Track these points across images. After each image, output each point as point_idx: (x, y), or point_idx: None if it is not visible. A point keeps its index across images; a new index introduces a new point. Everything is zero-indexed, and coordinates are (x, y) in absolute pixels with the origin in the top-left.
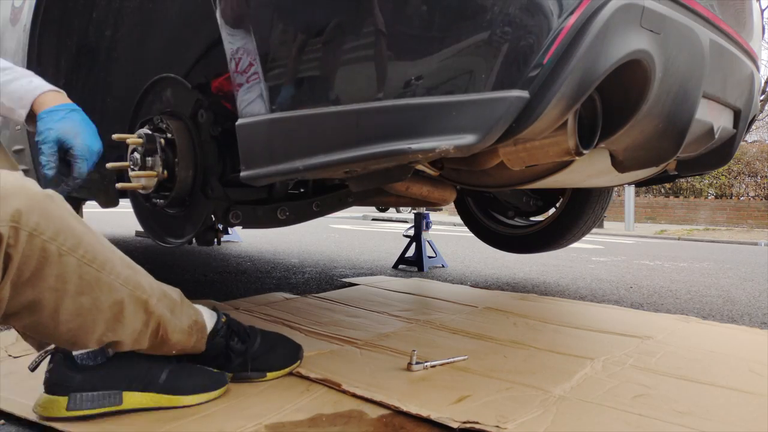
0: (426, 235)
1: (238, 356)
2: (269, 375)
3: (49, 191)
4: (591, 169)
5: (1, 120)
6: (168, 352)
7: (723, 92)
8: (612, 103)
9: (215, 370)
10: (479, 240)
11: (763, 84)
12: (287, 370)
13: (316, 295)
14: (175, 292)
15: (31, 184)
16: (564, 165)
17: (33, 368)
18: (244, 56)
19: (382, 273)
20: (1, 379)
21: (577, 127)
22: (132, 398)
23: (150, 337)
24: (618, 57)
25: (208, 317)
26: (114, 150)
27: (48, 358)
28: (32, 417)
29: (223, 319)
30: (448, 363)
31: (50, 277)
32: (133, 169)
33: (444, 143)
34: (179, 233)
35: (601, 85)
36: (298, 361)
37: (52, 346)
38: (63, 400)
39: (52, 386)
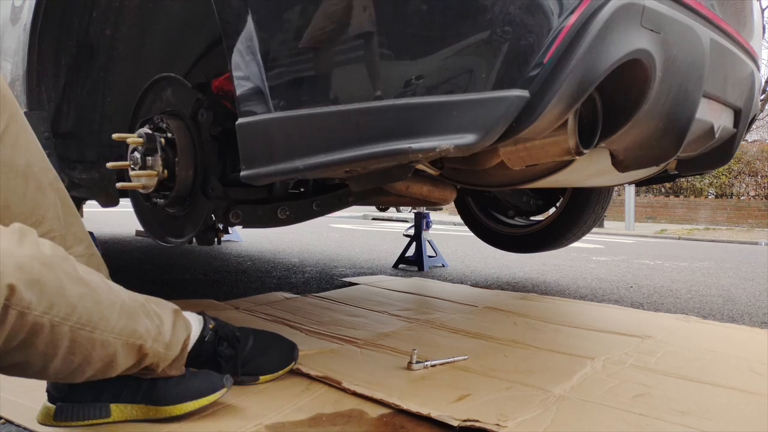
0: (426, 235)
1: (228, 361)
2: (262, 378)
3: (47, 253)
4: (591, 169)
5: None
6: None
7: (723, 91)
8: (612, 102)
9: (214, 373)
10: (479, 239)
11: (763, 83)
12: (280, 372)
13: (317, 294)
14: (168, 320)
15: (29, 249)
16: (564, 164)
17: None
18: (245, 55)
19: (382, 272)
20: (1, 379)
21: (578, 126)
22: (120, 410)
23: (141, 369)
24: (618, 56)
25: (196, 324)
26: (114, 150)
27: None
28: (31, 425)
29: (211, 325)
30: (448, 362)
31: (40, 345)
32: (133, 169)
33: (444, 143)
34: (179, 232)
35: (601, 84)
36: (293, 363)
37: None
38: (50, 410)
39: (48, 393)
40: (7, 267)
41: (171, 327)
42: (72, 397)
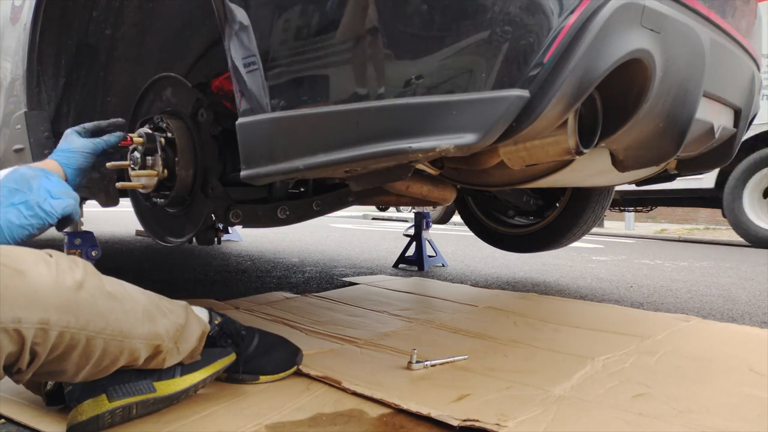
0: (426, 234)
1: None
2: (262, 378)
3: (79, 277)
4: (591, 169)
5: (1, 119)
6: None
7: (723, 91)
8: (612, 102)
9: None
10: (480, 239)
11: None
12: (282, 375)
13: (317, 294)
14: (181, 317)
15: (64, 275)
16: (564, 164)
17: (52, 391)
18: (245, 55)
19: (382, 272)
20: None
21: (578, 126)
22: (161, 386)
23: (153, 364)
24: (618, 56)
25: (204, 319)
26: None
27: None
28: (31, 423)
29: (217, 321)
30: (448, 362)
31: (75, 357)
32: (133, 168)
33: (444, 142)
34: (179, 232)
35: (601, 84)
36: (295, 367)
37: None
38: (102, 397)
39: (84, 392)
40: (47, 293)
41: (185, 322)
42: (113, 383)
